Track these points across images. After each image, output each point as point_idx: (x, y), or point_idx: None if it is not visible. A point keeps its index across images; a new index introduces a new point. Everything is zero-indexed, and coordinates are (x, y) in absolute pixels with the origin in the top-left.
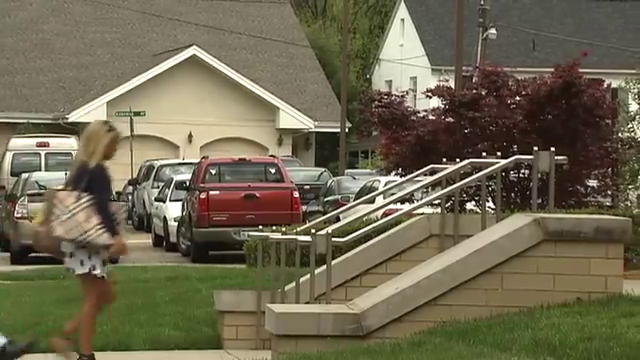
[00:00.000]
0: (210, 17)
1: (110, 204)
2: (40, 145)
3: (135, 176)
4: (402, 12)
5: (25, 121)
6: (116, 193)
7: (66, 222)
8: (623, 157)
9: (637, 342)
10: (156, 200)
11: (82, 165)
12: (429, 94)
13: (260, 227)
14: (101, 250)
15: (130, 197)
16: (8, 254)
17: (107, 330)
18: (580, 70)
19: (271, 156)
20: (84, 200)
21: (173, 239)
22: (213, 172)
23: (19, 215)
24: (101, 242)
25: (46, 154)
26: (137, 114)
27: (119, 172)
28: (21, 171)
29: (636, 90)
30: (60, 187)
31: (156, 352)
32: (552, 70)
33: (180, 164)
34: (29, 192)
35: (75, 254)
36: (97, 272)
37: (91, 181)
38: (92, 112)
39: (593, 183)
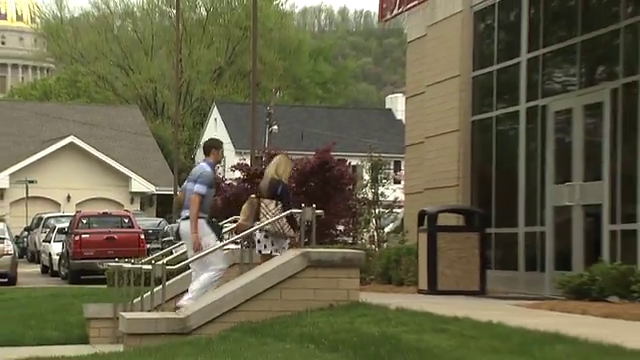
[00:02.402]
0: (84, 116)
1: (292, 210)
2: None
3: (29, 225)
4: (215, 113)
5: None
6: (15, 237)
7: (270, 219)
8: (360, 211)
9: (368, 333)
10: (44, 241)
11: (274, 181)
12: (233, 168)
13: (117, 259)
14: (284, 239)
15: (25, 239)
16: None
17: (6, 332)
18: (332, 153)
19: (125, 210)
20: (280, 206)
21: (56, 268)
22: (84, 221)
23: None
24: (289, 234)
25: None
26: (31, 182)
27: (19, 222)
28: None
29: (367, 167)
30: (254, 196)
31: (41, 347)
32: (314, 153)
33: (61, 216)
34: None
35: (261, 241)
36: (276, 254)
37: (282, 193)
38: None
39: (341, 228)
